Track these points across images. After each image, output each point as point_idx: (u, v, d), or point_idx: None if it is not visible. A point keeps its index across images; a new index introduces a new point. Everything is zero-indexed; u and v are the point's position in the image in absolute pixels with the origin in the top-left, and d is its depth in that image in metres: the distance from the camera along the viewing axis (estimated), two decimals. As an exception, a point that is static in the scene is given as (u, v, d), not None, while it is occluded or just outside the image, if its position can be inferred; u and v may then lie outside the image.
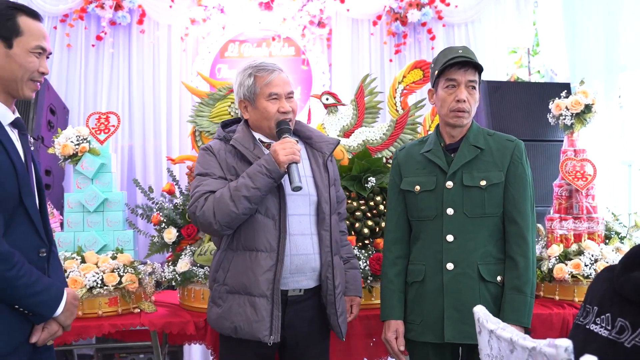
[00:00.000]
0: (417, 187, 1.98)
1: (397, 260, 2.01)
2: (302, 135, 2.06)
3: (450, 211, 1.92)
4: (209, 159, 1.95)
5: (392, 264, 2.01)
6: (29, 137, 1.73)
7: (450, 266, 1.90)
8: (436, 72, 1.93)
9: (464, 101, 1.90)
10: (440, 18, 4.70)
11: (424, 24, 4.70)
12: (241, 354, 1.91)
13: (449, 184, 1.93)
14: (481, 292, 1.88)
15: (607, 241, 2.59)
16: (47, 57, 1.68)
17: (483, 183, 1.91)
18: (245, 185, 1.80)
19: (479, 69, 1.92)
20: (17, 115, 1.65)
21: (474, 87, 1.92)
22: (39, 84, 1.66)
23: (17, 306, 1.53)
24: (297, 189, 1.79)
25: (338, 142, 2.07)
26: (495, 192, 1.91)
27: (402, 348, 1.96)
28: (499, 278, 1.90)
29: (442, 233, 1.92)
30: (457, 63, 1.89)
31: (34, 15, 1.64)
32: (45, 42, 1.64)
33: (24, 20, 1.60)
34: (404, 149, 2.10)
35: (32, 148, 1.77)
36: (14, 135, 1.62)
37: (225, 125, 2.09)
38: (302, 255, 1.91)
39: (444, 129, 1.99)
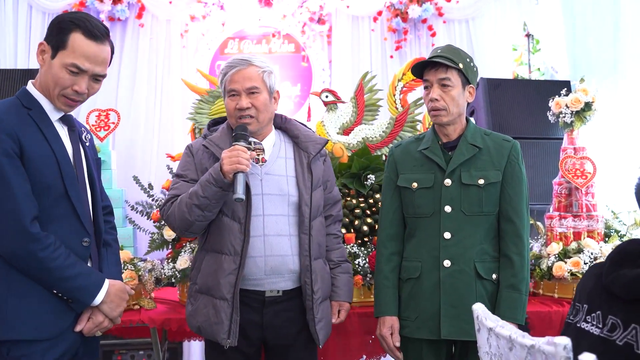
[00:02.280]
0: (415, 184, 1.98)
1: (392, 256, 2.01)
2: (290, 134, 2.02)
3: (448, 209, 1.92)
4: (187, 160, 1.94)
5: (388, 260, 2.01)
6: (82, 132, 1.76)
7: (447, 263, 1.90)
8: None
9: (437, 100, 1.92)
10: (440, 15, 4.68)
11: (424, 21, 4.68)
12: (224, 353, 1.87)
13: (447, 181, 1.94)
14: (477, 290, 1.90)
15: (606, 239, 2.60)
16: (98, 80, 1.63)
17: (481, 182, 1.92)
18: (196, 194, 1.78)
19: (454, 66, 1.90)
20: (69, 113, 1.67)
21: (447, 85, 1.92)
22: (73, 101, 1.62)
23: (54, 291, 1.55)
24: (239, 200, 1.70)
25: (326, 142, 2.02)
26: (493, 191, 1.93)
27: (398, 344, 1.96)
28: (494, 276, 1.92)
29: (440, 230, 1.92)
30: (430, 63, 1.93)
31: (91, 35, 1.58)
32: (86, 63, 1.57)
33: (75, 37, 1.57)
34: (400, 146, 2.10)
35: (87, 144, 1.76)
36: (63, 131, 1.66)
37: (214, 123, 2.05)
38: (278, 257, 1.86)
39: (437, 127, 2.02)
